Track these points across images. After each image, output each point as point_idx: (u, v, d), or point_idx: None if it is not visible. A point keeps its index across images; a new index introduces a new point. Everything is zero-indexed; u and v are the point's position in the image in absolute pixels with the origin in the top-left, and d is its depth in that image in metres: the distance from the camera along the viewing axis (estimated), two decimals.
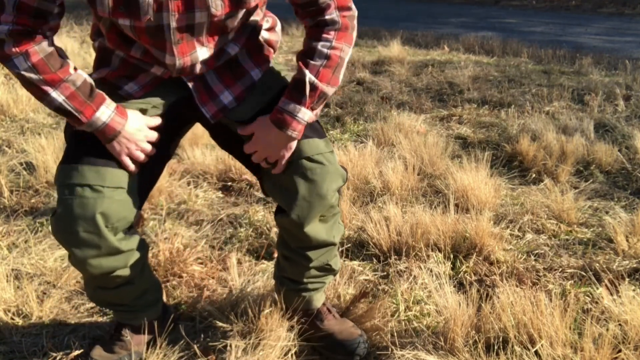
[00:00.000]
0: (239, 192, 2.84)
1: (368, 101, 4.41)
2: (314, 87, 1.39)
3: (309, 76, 1.38)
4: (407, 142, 3.20)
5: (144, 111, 1.46)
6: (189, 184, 2.90)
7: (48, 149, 3.00)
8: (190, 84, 1.46)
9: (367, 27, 8.59)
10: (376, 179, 2.81)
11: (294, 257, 1.60)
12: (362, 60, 6.04)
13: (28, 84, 1.32)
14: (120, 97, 1.44)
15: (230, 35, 1.44)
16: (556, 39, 7.61)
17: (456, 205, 2.51)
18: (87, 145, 1.39)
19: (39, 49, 1.30)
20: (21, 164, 3.08)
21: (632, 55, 6.17)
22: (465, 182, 2.64)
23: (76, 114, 1.34)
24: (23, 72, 1.29)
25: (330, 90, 1.41)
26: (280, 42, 1.62)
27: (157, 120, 1.46)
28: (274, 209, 2.59)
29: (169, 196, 2.75)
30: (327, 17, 1.38)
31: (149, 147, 1.44)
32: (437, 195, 2.74)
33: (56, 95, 1.32)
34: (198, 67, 1.43)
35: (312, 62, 1.39)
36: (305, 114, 1.41)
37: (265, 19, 1.55)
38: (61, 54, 1.35)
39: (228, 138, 1.57)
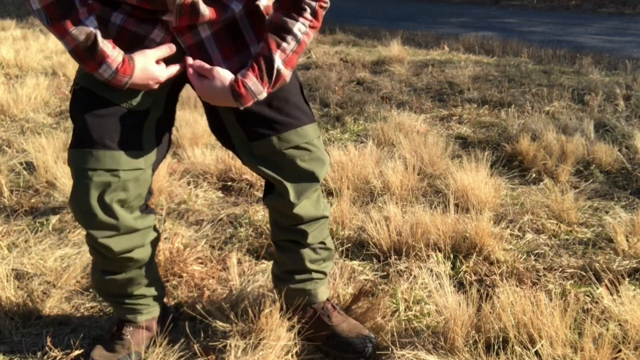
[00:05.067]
0: (239, 192, 2.84)
1: (368, 101, 4.41)
2: (280, 74, 1.37)
3: (278, 62, 1.35)
4: (407, 142, 3.20)
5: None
6: (189, 183, 2.90)
7: (48, 149, 3.00)
8: (188, 52, 1.41)
9: (367, 27, 8.60)
10: (376, 179, 2.81)
11: (290, 236, 1.63)
12: (362, 60, 6.04)
13: (44, 24, 1.29)
14: None
15: None
16: (556, 39, 7.61)
17: (456, 205, 2.51)
18: (98, 126, 1.39)
19: None
20: (21, 163, 3.08)
21: (632, 55, 6.17)
22: (465, 182, 2.64)
23: (82, 64, 1.34)
24: (36, 13, 1.27)
25: (290, 75, 1.39)
26: None
27: (164, 50, 1.39)
28: None
29: (169, 196, 2.75)
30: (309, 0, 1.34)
31: (162, 78, 1.39)
32: (437, 195, 2.74)
33: (65, 43, 1.30)
34: (200, 8, 1.35)
35: (284, 44, 1.35)
36: (263, 95, 1.38)
37: None
38: (72, 0, 1.28)
39: (213, 117, 1.55)
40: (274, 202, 1.58)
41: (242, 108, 1.39)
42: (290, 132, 1.48)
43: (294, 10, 1.35)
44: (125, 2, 1.34)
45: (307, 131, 1.51)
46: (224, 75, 1.37)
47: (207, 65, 1.38)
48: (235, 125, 1.50)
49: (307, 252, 1.66)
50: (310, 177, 1.53)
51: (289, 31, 1.35)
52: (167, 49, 1.38)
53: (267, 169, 1.52)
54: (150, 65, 1.36)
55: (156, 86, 1.39)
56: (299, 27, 1.35)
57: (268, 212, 1.69)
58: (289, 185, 1.52)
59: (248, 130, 1.49)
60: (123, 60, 1.33)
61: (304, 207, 1.58)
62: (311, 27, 1.37)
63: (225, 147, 1.60)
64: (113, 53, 1.32)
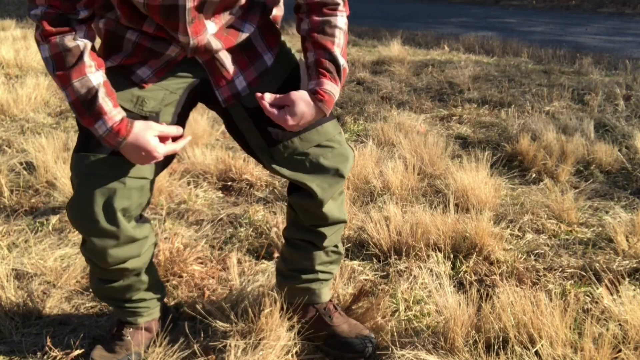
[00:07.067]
0: (239, 192, 2.84)
1: (368, 101, 4.41)
2: (344, 69, 1.42)
3: (342, 61, 1.40)
4: (407, 142, 3.20)
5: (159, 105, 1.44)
6: (189, 183, 2.90)
7: (48, 149, 3.00)
8: (205, 66, 1.44)
9: (367, 27, 8.59)
10: (376, 179, 2.81)
11: (307, 237, 1.62)
12: (362, 60, 6.04)
13: (50, 72, 1.33)
14: (132, 84, 1.42)
15: (237, 11, 1.42)
16: (556, 39, 7.60)
17: (456, 205, 2.51)
18: None
19: (59, 42, 1.28)
20: (21, 163, 3.08)
21: (632, 55, 6.17)
22: (465, 182, 2.64)
23: (80, 117, 1.35)
24: (44, 60, 1.31)
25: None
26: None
27: (170, 129, 1.41)
28: (274, 209, 2.60)
29: (169, 196, 2.75)
30: None
31: (157, 153, 1.37)
32: (437, 195, 2.74)
33: (66, 94, 1.33)
34: (213, 45, 1.40)
35: (336, 40, 1.40)
36: (338, 93, 1.44)
37: None
38: (82, 53, 1.30)
39: (231, 126, 1.56)
40: (301, 200, 1.57)
41: (327, 113, 1.43)
42: (311, 131, 1.48)
43: (327, 8, 1.40)
44: (141, 30, 1.37)
45: (328, 128, 1.51)
46: (301, 94, 1.39)
47: (278, 95, 1.40)
48: (254, 131, 1.50)
49: (319, 254, 1.66)
50: (334, 174, 1.53)
51: (335, 26, 1.40)
52: (175, 130, 1.41)
53: (291, 171, 1.51)
54: (148, 135, 1.35)
55: (149, 161, 1.38)
56: (340, 20, 1.41)
57: (287, 209, 1.67)
58: (314, 185, 1.51)
59: (268, 135, 1.48)
60: (121, 120, 1.34)
61: (330, 207, 1.58)
62: (347, 16, 1.43)
63: (246, 153, 1.60)
64: (112, 111, 1.33)
